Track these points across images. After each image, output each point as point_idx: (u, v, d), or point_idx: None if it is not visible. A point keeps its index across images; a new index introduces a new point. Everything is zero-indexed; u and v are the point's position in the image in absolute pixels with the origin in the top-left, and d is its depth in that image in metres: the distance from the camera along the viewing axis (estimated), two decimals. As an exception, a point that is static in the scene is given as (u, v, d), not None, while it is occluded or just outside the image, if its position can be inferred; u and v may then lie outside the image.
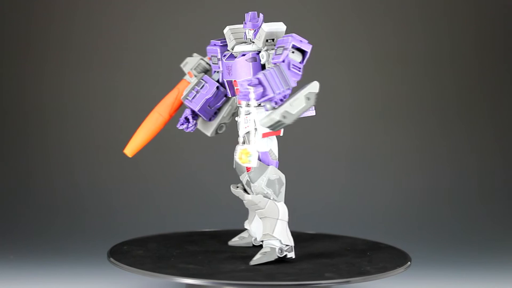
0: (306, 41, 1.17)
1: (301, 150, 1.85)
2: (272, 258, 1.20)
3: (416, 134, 2.01)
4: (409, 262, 1.24)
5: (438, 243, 1.72)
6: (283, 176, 1.20)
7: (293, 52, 1.16)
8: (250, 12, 1.20)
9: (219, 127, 1.27)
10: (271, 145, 1.21)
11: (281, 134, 1.21)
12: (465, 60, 2.05)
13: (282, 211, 1.20)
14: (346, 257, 1.27)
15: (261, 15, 1.21)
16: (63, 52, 2.00)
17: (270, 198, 1.20)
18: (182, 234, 1.43)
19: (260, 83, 1.13)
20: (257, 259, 1.20)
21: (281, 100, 1.14)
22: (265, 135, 1.19)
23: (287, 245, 1.20)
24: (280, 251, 1.20)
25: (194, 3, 2.03)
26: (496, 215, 1.87)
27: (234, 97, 1.25)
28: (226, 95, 1.26)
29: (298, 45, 1.15)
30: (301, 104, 1.13)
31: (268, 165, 1.20)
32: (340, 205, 1.88)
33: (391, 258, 1.27)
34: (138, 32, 2.02)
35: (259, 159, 1.20)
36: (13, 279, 1.43)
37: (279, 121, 1.13)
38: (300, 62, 1.16)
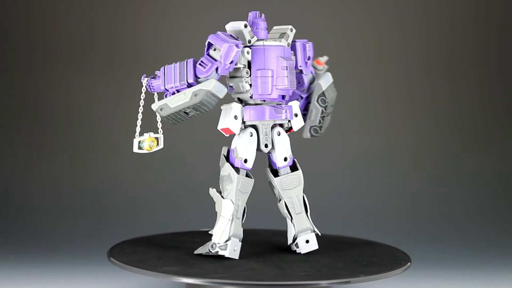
0: (228, 40, 1.18)
1: (302, 150, 1.86)
2: (204, 251, 1.23)
3: (416, 134, 2.01)
4: (409, 263, 1.24)
5: (438, 243, 1.72)
6: (234, 175, 1.21)
7: (214, 49, 1.18)
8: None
9: (312, 129, 1.28)
10: (237, 144, 1.22)
11: (236, 133, 1.22)
12: (470, 60, 2.05)
13: (225, 208, 1.22)
14: (346, 257, 1.27)
15: (249, 14, 1.23)
16: (66, 53, 2.01)
17: (220, 194, 1.23)
18: (182, 234, 1.43)
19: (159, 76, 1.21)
20: (197, 249, 1.25)
21: (173, 94, 1.19)
22: (223, 130, 1.23)
23: (218, 243, 1.22)
24: (211, 247, 1.22)
25: (200, 3, 2.03)
26: (497, 215, 1.87)
27: (316, 101, 1.28)
28: (302, 96, 1.29)
29: (213, 42, 1.18)
30: (183, 100, 1.18)
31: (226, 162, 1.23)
32: (340, 206, 1.88)
33: (391, 258, 1.27)
34: (139, 32, 2.02)
35: (225, 155, 1.24)
36: (13, 279, 1.43)
37: (156, 112, 1.20)
38: (216, 60, 1.18)
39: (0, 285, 1.40)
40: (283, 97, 1.23)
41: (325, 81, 1.27)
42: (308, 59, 1.26)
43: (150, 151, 1.24)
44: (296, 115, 1.25)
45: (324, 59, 1.31)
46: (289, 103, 1.24)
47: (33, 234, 1.71)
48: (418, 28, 2.05)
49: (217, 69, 1.18)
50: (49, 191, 1.88)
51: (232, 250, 1.22)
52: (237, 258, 1.23)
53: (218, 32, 1.20)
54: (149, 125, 1.25)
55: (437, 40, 2.05)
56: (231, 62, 1.18)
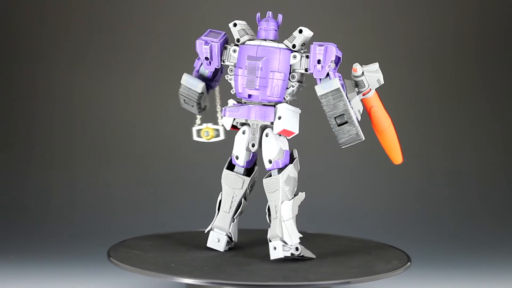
0: (201, 37, 1.24)
1: (303, 150, 1.86)
2: None
3: (416, 134, 2.01)
4: (409, 262, 1.24)
5: (438, 243, 1.72)
6: (223, 170, 1.27)
7: None
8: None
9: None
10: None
11: (227, 129, 1.27)
12: (467, 59, 2.05)
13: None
14: (346, 257, 1.27)
15: (257, 14, 1.24)
16: (66, 52, 2.01)
17: None
18: (182, 234, 1.43)
19: None
20: None
21: None
22: None
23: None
24: None
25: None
26: (497, 215, 1.87)
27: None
28: None
29: None
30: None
31: None
32: (340, 205, 1.88)
33: (391, 258, 1.27)
34: (139, 32, 2.02)
35: None
36: (13, 279, 1.43)
37: None
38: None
39: (0, 285, 1.40)
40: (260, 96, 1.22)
41: (323, 87, 1.19)
42: (318, 62, 1.20)
43: (208, 141, 1.30)
44: (280, 117, 1.21)
45: (365, 66, 1.23)
46: (278, 105, 1.21)
47: (33, 234, 1.71)
48: (415, 28, 2.05)
49: (202, 64, 1.25)
50: (49, 191, 1.88)
51: (212, 241, 1.28)
52: (220, 250, 1.27)
53: (210, 29, 1.25)
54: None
55: (434, 40, 2.05)
56: (206, 58, 1.23)
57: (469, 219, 1.85)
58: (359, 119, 1.22)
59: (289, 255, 1.21)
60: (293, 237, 1.21)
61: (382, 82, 1.23)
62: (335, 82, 1.19)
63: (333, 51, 1.20)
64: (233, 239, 1.28)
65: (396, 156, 1.32)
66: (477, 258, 1.62)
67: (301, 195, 1.23)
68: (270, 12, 1.24)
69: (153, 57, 2.01)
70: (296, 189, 1.22)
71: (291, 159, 1.23)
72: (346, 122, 1.20)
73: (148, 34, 2.02)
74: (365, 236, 1.48)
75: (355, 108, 1.22)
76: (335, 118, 1.20)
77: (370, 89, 1.23)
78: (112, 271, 1.42)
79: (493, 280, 1.49)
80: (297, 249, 1.21)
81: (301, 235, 1.22)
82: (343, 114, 1.20)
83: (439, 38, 2.05)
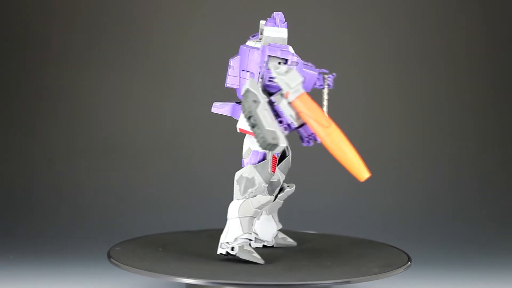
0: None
1: (302, 149, 1.86)
2: None
3: (417, 134, 2.01)
4: (409, 262, 1.24)
5: (438, 243, 1.72)
6: None
7: None
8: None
9: None
10: None
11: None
12: (468, 58, 2.05)
13: None
14: (346, 257, 1.27)
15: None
16: (70, 53, 2.01)
17: None
18: (182, 234, 1.43)
19: None
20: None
21: None
22: None
23: None
24: None
25: (210, 5, 2.03)
26: (497, 215, 1.87)
27: None
28: None
29: None
30: None
31: None
32: (340, 205, 1.88)
33: (391, 258, 1.27)
34: (138, 34, 2.02)
35: None
36: (13, 279, 1.43)
37: None
38: None
39: (0, 285, 1.40)
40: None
41: (242, 89, 1.17)
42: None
43: None
44: None
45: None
46: None
47: (33, 234, 1.71)
48: (416, 27, 2.05)
49: None
50: (49, 191, 1.88)
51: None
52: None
53: None
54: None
55: (436, 41, 2.05)
56: None
57: (469, 219, 1.85)
58: (296, 125, 1.17)
59: (224, 253, 1.21)
60: (228, 236, 1.20)
61: (292, 85, 1.16)
62: (246, 83, 1.16)
63: (266, 51, 1.17)
64: (259, 237, 1.30)
65: (355, 170, 1.19)
66: (477, 258, 1.62)
67: (261, 198, 1.20)
68: (278, 13, 1.23)
69: (155, 57, 2.01)
70: (252, 190, 1.20)
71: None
72: (256, 125, 1.14)
73: (150, 35, 2.02)
74: (365, 236, 1.48)
75: (286, 113, 1.16)
76: (248, 119, 1.15)
77: (289, 93, 1.16)
78: (112, 271, 1.42)
79: (493, 280, 1.49)
80: (232, 248, 1.20)
81: (249, 239, 1.20)
82: (251, 116, 1.14)
83: (442, 38, 2.06)
